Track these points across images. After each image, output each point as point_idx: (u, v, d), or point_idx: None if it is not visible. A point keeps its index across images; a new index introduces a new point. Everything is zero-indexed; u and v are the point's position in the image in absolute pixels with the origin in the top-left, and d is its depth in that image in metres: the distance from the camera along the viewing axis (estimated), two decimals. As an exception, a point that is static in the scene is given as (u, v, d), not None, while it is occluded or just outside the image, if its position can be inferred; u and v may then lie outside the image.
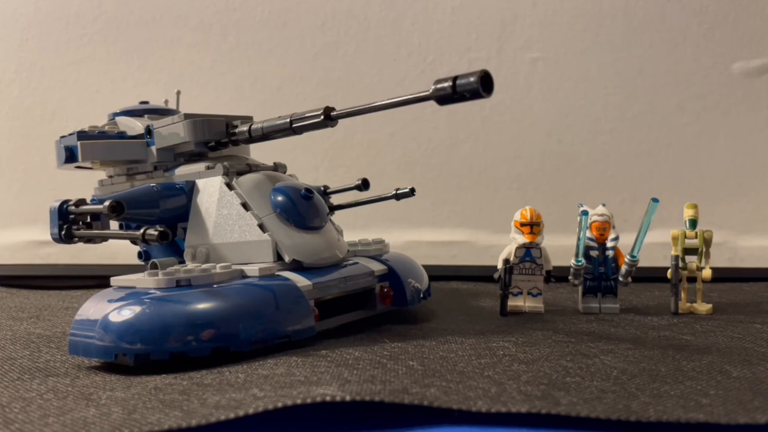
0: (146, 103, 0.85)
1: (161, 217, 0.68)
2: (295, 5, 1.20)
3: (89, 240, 0.68)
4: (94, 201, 0.73)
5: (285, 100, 1.19)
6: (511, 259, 0.75)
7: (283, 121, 0.65)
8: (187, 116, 0.71)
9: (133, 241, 0.69)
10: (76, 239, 0.66)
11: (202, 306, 0.55)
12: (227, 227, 0.66)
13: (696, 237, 0.74)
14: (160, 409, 0.42)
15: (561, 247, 0.85)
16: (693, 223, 0.74)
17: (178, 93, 0.91)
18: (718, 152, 1.13)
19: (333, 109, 0.62)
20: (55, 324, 0.78)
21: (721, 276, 0.91)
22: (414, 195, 0.81)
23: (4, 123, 1.25)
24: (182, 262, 0.68)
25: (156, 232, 0.57)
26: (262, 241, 0.65)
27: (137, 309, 0.54)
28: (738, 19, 1.11)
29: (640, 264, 0.73)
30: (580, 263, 0.73)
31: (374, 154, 1.19)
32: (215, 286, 0.58)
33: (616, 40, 1.14)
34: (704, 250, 0.74)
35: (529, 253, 0.76)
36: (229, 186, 0.68)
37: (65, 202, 0.65)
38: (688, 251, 0.75)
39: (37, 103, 1.24)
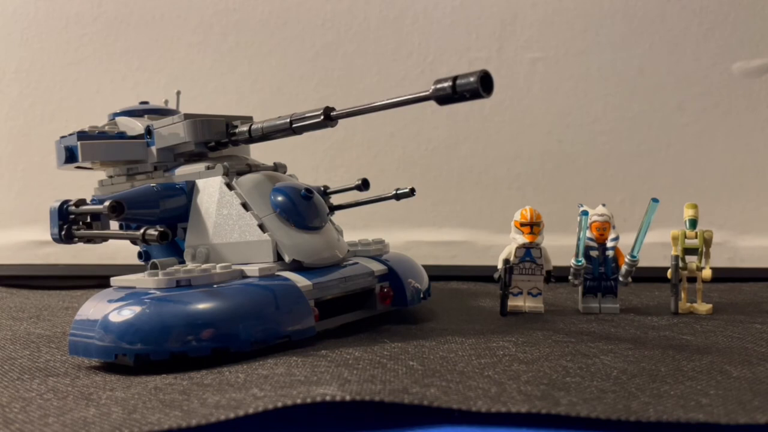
0: (146, 103, 0.85)
1: (161, 217, 0.68)
2: (295, 5, 1.20)
3: (89, 240, 0.68)
4: (94, 201, 0.73)
5: (285, 100, 1.19)
6: (511, 259, 0.75)
7: (283, 121, 0.65)
8: (187, 116, 0.71)
9: (133, 241, 0.69)
10: (76, 239, 0.66)
11: (202, 306, 0.55)
12: (227, 227, 0.66)
13: (696, 237, 0.74)
14: (160, 409, 0.42)
15: (561, 247, 0.85)
16: (693, 223, 0.74)
17: (178, 93, 0.91)
18: (718, 152, 1.13)
19: (333, 109, 0.62)
20: (55, 324, 0.78)
21: (721, 276, 0.91)
22: (414, 195, 0.81)
23: (4, 123, 1.25)
24: (182, 262, 0.68)
25: (156, 232, 0.56)
26: (262, 241, 0.65)
27: (137, 309, 0.54)
28: (738, 19, 1.11)
29: (640, 264, 0.73)
30: (580, 263, 0.73)
31: (374, 154, 1.19)
32: (215, 286, 0.58)
33: (616, 40, 1.14)
34: (704, 250, 0.74)
35: (529, 253, 0.76)
36: (229, 186, 0.68)
37: (65, 202, 0.65)
38: (688, 251, 0.75)
39: (37, 103, 1.24)
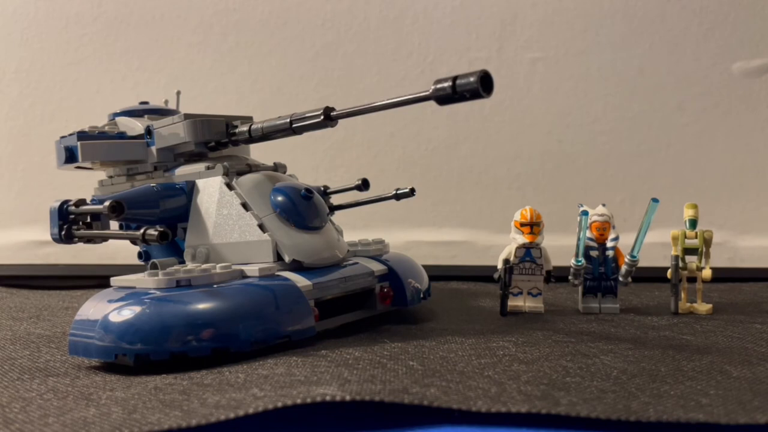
0: (146, 103, 0.85)
1: (161, 217, 0.68)
2: (295, 5, 1.20)
3: (89, 240, 0.68)
4: (94, 201, 0.73)
5: (285, 100, 1.19)
6: (511, 259, 0.75)
7: (283, 121, 0.65)
8: (187, 116, 0.71)
9: (133, 241, 0.69)
10: (76, 239, 0.66)
11: (202, 306, 0.55)
12: (227, 227, 0.66)
13: (696, 237, 0.74)
14: (160, 409, 0.42)
15: (561, 247, 0.85)
16: (693, 223, 0.74)
17: (178, 93, 0.91)
18: (718, 152, 1.13)
19: (333, 109, 0.62)
20: (55, 324, 0.78)
21: (721, 276, 0.91)
22: (414, 195, 0.81)
23: (4, 123, 1.25)
24: (182, 262, 0.68)
25: (156, 232, 0.56)
26: (262, 241, 0.65)
27: (137, 309, 0.54)
28: (738, 19, 1.11)
29: (640, 264, 0.73)
30: (580, 263, 0.73)
31: (374, 154, 1.19)
32: (215, 286, 0.58)
33: (616, 40, 1.14)
34: (704, 250, 0.74)
35: (529, 253, 0.76)
36: (229, 186, 0.68)
37: (65, 202, 0.65)
38: (688, 251, 0.75)
39: (37, 103, 1.24)
